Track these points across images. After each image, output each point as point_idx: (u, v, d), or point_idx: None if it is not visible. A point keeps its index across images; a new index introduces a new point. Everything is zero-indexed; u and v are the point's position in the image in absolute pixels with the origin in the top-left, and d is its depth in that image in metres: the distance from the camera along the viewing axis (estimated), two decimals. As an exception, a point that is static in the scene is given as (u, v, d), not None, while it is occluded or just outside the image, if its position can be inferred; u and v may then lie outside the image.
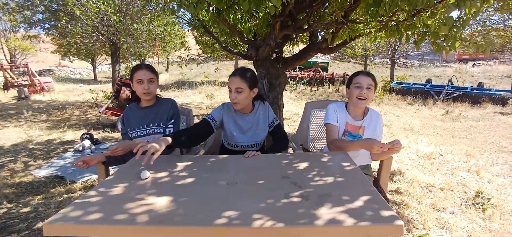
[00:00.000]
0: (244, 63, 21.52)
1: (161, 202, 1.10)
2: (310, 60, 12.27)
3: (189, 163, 1.55)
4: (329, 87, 12.34)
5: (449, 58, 25.62)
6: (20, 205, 2.66)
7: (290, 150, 2.68)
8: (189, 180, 1.33)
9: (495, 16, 10.10)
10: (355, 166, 1.40)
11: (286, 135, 1.96)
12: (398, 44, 13.15)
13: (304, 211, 1.02)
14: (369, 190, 1.16)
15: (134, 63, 17.36)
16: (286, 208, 1.04)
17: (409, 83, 10.79)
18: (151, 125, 1.86)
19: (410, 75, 17.01)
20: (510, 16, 9.59)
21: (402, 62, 22.79)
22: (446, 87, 9.15)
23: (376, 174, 1.84)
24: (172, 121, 1.89)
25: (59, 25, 6.68)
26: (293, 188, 1.20)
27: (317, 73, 12.58)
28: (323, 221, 0.95)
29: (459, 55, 24.16)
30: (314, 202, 1.07)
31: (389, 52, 13.71)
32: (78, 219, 0.99)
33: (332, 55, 21.35)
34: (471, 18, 2.21)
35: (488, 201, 2.61)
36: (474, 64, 22.16)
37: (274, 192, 1.18)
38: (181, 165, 1.51)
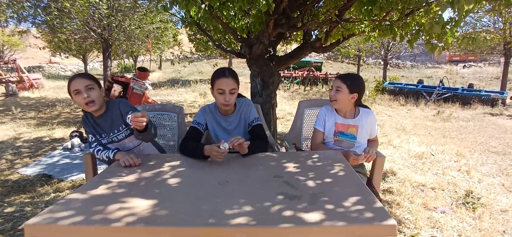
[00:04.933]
0: (237, 61, 21.47)
1: (149, 202, 1.06)
2: (303, 59, 12.31)
3: (179, 161, 1.51)
4: (322, 87, 12.39)
5: (440, 59, 26.01)
6: (5, 204, 2.58)
7: (283, 149, 2.66)
8: (179, 179, 1.29)
9: (486, 18, 10.27)
10: (348, 165, 1.39)
11: (267, 137, 1.83)
12: (391, 44, 13.26)
13: (297, 211, 0.99)
14: (362, 190, 1.14)
15: (126, 61, 17.15)
16: (279, 208, 1.02)
17: (401, 84, 10.90)
18: (111, 134, 1.72)
19: (402, 76, 17.21)
20: (500, 18, 9.75)
21: (394, 63, 23.03)
22: (437, 88, 9.27)
23: (369, 173, 1.83)
24: (129, 113, 1.63)
25: (48, 18, 6.52)
26: (286, 187, 1.18)
27: (311, 73, 12.61)
28: (316, 221, 0.93)
29: (450, 56, 24.54)
30: (307, 202, 1.06)
31: (382, 53, 13.82)
32: (61, 220, 0.95)
33: (326, 55, 21.49)
34: (463, 18, 2.23)
35: (478, 200, 2.63)
36: (465, 65, 22.54)
37: (266, 192, 1.15)
38: (170, 164, 1.48)
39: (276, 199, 1.08)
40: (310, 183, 1.22)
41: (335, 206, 1.02)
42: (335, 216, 0.96)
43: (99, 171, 1.84)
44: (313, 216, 0.95)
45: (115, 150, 1.63)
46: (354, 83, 1.77)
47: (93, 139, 1.73)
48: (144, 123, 1.39)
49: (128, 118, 1.50)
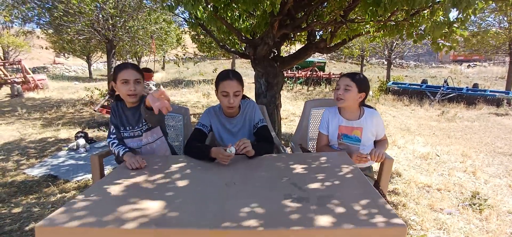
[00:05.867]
0: (240, 61, 21.49)
1: (157, 204, 1.07)
2: (307, 59, 12.28)
3: (185, 163, 1.52)
4: (326, 87, 12.36)
5: (444, 59, 25.82)
6: (12, 205, 2.61)
7: (288, 150, 2.65)
8: (186, 180, 1.30)
9: (491, 17, 10.19)
10: (355, 167, 1.38)
11: (272, 138, 1.82)
12: (394, 44, 13.19)
13: (305, 213, 0.99)
14: (370, 192, 1.14)
15: (130, 61, 17.20)
16: (286, 210, 1.02)
17: (405, 84, 10.84)
18: (136, 127, 1.76)
19: (405, 76, 17.13)
20: (505, 18, 9.67)
21: (398, 63, 22.92)
22: (441, 88, 9.21)
23: (377, 176, 1.82)
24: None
25: (56, 16, 6.57)
26: (293, 189, 1.18)
27: (314, 73, 12.58)
28: (324, 223, 0.93)
29: (454, 56, 24.34)
30: (315, 204, 1.05)
31: (386, 53, 13.75)
32: (71, 221, 0.96)
33: (329, 55, 21.42)
34: (469, 18, 2.22)
35: (485, 201, 2.61)
36: (469, 65, 22.36)
37: (273, 193, 1.15)
38: (177, 165, 1.48)
39: (284, 201, 1.08)
40: (318, 185, 1.21)
41: (344, 209, 1.01)
42: (344, 218, 0.95)
43: (105, 172, 1.85)
44: (322, 219, 0.95)
45: (126, 150, 1.65)
46: (362, 82, 1.74)
47: (114, 131, 1.76)
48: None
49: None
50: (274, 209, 1.03)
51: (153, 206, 1.05)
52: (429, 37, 2.45)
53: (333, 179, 1.28)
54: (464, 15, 2.16)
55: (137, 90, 1.67)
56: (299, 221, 0.95)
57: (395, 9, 2.30)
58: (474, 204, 2.58)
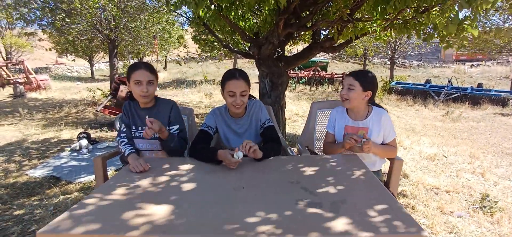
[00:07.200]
0: (243, 61, 21.44)
1: (163, 209, 1.02)
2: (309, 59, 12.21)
3: (191, 166, 1.47)
4: (328, 87, 12.30)
5: (447, 58, 25.66)
6: (14, 206, 2.57)
7: (295, 150, 2.60)
8: (192, 184, 1.25)
9: (495, 16, 10.08)
10: (368, 171, 1.33)
11: (279, 139, 1.77)
12: (398, 43, 13.10)
13: (318, 220, 0.95)
14: (385, 197, 1.09)
15: (132, 61, 17.20)
16: (298, 216, 0.97)
17: (408, 84, 10.76)
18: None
19: (408, 75, 17.02)
20: (510, 17, 9.57)
21: (400, 62, 22.78)
22: (445, 88, 9.13)
23: (386, 177, 1.77)
24: (177, 126, 1.76)
25: (57, 19, 6.56)
26: (304, 194, 1.13)
27: (317, 73, 12.53)
28: (339, 231, 0.88)
29: (457, 55, 24.17)
30: (329, 209, 1.00)
31: (389, 52, 13.66)
32: (74, 228, 0.92)
33: (331, 54, 21.35)
34: (478, 17, 2.16)
35: (495, 204, 2.55)
36: (472, 64, 22.20)
37: (284, 198, 1.10)
38: (184, 168, 1.44)
39: (297, 206, 1.03)
40: (330, 189, 1.16)
41: (360, 215, 0.96)
42: (361, 225, 0.90)
43: (108, 173, 1.81)
44: (339, 226, 0.90)
45: (131, 151, 1.61)
46: (367, 79, 1.66)
47: (124, 129, 1.74)
48: (152, 131, 1.54)
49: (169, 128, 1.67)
50: (288, 215, 0.98)
51: (159, 212, 1.01)
52: (438, 35, 2.40)
53: (345, 182, 1.23)
54: (474, 14, 2.10)
55: (149, 91, 1.66)
56: (312, 228, 0.90)
57: (405, 7, 2.25)
58: (485, 207, 2.52)
